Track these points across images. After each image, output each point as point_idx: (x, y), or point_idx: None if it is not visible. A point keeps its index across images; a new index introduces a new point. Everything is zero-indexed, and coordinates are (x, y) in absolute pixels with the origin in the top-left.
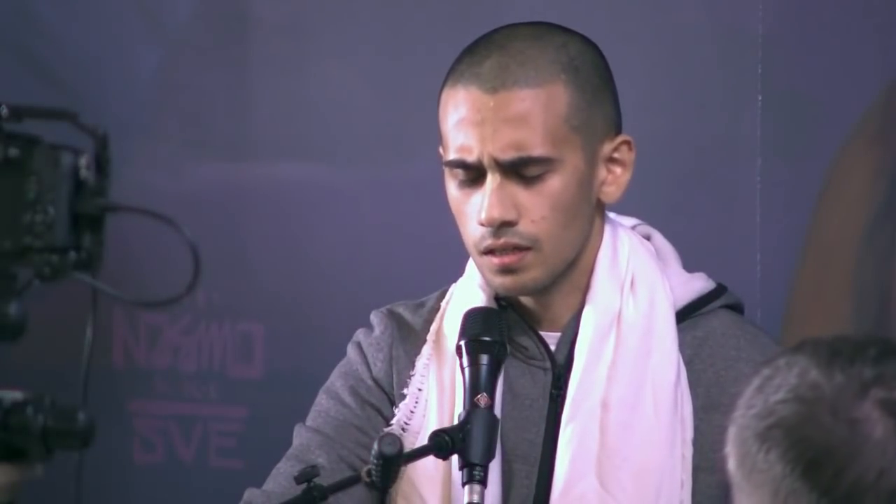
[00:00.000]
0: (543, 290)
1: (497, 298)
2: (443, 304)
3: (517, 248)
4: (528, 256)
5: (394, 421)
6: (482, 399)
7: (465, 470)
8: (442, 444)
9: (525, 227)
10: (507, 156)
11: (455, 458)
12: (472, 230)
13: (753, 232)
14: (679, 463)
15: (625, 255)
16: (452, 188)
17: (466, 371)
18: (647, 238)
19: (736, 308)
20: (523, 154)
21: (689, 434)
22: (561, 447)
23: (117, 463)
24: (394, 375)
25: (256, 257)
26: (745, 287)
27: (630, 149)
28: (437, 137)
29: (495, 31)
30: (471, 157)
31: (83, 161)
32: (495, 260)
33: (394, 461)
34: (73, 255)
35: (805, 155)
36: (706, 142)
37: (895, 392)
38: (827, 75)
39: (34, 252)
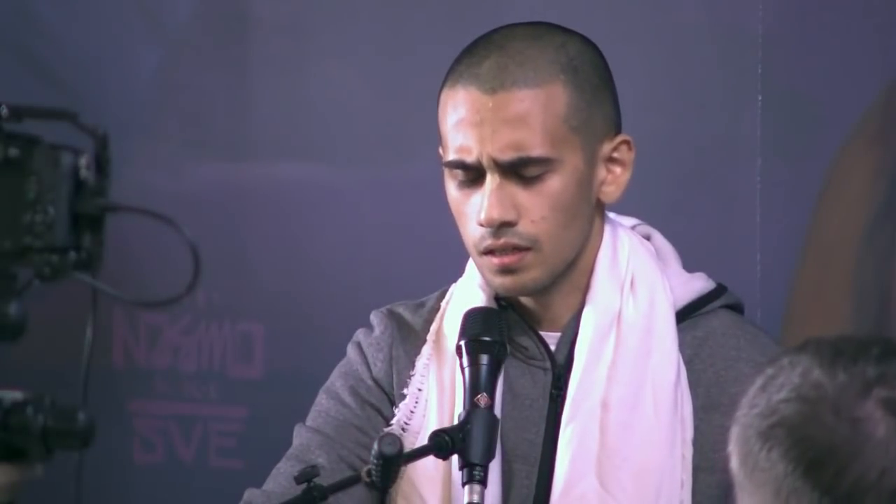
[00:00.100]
0: (543, 291)
1: (497, 298)
2: (443, 304)
3: (517, 249)
4: (528, 257)
5: (394, 421)
6: (482, 399)
7: (465, 470)
8: (442, 444)
9: (525, 227)
10: (507, 156)
11: (455, 458)
12: (472, 230)
13: (753, 232)
14: (679, 463)
15: (625, 255)
16: (452, 188)
17: (466, 371)
18: (647, 238)
19: (736, 308)
20: (522, 154)
21: (689, 434)
22: (561, 447)
23: (117, 463)
24: (394, 375)
25: (256, 257)
26: (745, 287)
27: (630, 149)
28: (437, 137)
29: (494, 31)
30: (470, 158)
31: (83, 161)
32: (495, 260)
33: (394, 461)
34: (73, 255)
35: (805, 155)
36: (706, 142)
37: None
38: (827, 75)
39: (34, 252)
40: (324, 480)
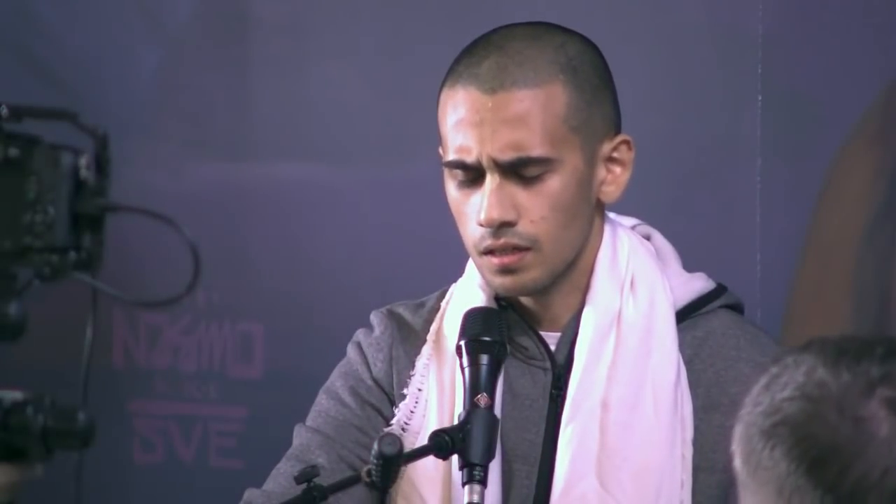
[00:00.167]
0: (543, 290)
1: (497, 298)
2: (443, 304)
3: (517, 249)
4: (528, 257)
5: (394, 421)
6: (482, 399)
7: (465, 470)
8: (442, 444)
9: (524, 227)
10: (506, 156)
11: (455, 458)
12: (472, 230)
13: (753, 232)
14: (679, 463)
15: (625, 255)
16: (452, 189)
17: (466, 371)
18: (647, 238)
19: (736, 308)
20: (522, 154)
21: (689, 434)
22: (561, 447)
23: (117, 463)
24: (394, 375)
25: (256, 257)
26: (745, 287)
27: (629, 148)
28: (437, 137)
29: (493, 31)
30: (470, 158)
31: (83, 161)
32: (495, 260)
33: (394, 461)
34: (73, 255)
35: (805, 155)
36: (706, 142)
37: None
38: (827, 75)
39: (34, 252)
40: (324, 480)
